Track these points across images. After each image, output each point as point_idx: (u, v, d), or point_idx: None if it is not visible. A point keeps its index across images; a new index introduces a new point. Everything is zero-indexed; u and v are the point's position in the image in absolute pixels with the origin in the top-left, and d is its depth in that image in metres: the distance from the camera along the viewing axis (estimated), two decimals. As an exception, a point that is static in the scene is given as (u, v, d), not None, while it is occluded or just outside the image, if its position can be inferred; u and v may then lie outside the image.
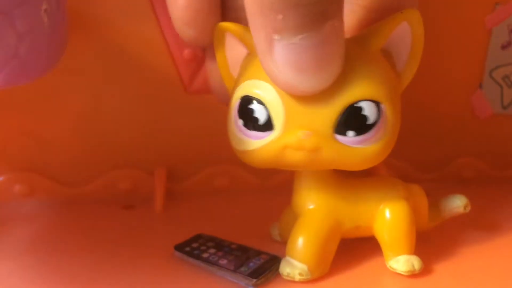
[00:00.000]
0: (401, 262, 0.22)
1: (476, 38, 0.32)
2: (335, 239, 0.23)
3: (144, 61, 0.29)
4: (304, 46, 0.18)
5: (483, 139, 0.34)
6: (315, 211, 0.23)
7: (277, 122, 0.20)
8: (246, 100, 0.20)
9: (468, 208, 0.25)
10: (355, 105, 0.19)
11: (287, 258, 0.22)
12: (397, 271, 0.22)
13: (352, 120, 0.20)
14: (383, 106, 0.20)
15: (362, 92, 0.19)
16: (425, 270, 0.22)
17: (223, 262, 0.23)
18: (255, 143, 0.20)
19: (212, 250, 0.24)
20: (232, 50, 0.23)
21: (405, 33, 0.21)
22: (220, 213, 0.29)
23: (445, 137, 0.33)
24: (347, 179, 0.23)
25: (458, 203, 0.25)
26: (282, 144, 0.20)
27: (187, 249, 0.24)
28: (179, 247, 0.24)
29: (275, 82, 0.19)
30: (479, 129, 0.33)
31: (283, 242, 0.23)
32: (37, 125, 0.30)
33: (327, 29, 0.18)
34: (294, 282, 0.22)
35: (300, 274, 0.21)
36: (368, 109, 0.19)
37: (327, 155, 0.20)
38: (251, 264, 0.23)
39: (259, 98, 0.20)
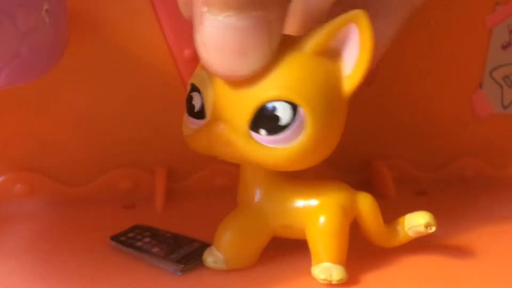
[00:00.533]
0: (320, 269, 0.21)
1: (477, 38, 0.32)
2: (262, 234, 0.23)
3: (144, 61, 0.29)
4: (227, 26, 0.18)
5: (483, 138, 0.34)
6: (245, 204, 0.23)
7: (207, 112, 0.21)
8: (191, 88, 0.22)
9: (431, 229, 0.22)
10: (268, 104, 0.19)
11: (212, 246, 0.23)
12: (315, 277, 0.21)
13: (264, 119, 0.20)
14: (300, 109, 0.19)
15: (277, 92, 0.19)
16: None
17: (155, 249, 0.24)
18: (191, 129, 0.22)
19: (147, 239, 0.25)
20: None
21: (354, 34, 0.20)
22: (220, 213, 0.29)
23: (445, 136, 0.33)
24: (289, 179, 0.23)
25: (419, 221, 0.22)
26: (205, 134, 0.21)
27: (123, 238, 0.25)
28: (115, 237, 0.25)
29: (201, 59, 0.19)
30: (479, 129, 0.34)
31: None
32: (37, 124, 0.30)
33: (255, 18, 0.18)
34: (220, 270, 0.23)
35: (214, 262, 0.22)
36: (282, 110, 0.19)
37: (242, 151, 0.20)
38: (182, 251, 0.24)
39: (198, 87, 0.21)
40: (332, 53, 0.20)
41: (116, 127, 0.30)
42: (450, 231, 0.27)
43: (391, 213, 0.24)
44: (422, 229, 0.22)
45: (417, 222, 0.22)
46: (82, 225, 0.28)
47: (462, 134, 0.34)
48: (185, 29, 0.26)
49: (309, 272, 0.22)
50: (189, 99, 0.21)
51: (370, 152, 0.33)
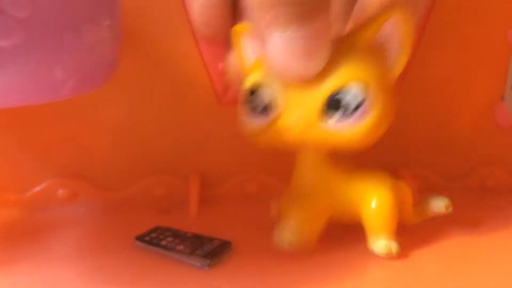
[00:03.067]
0: (381, 245, 0.24)
1: (499, 52, 0.33)
2: (324, 218, 0.25)
3: (180, 73, 0.31)
4: (293, 38, 0.20)
5: (505, 149, 0.34)
6: (309, 191, 0.25)
7: (276, 106, 0.23)
8: (253, 88, 0.24)
9: (450, 209, 0.27)
10: (340, 91, 0.22)
11: (281, 228, 0.25)
12: (376, 253, 0.25)
13: (336, 105, 0.22)
14: (367, 93, 0.22)
15: (346, 79, 0.22)
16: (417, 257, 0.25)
17: (180, 247, 0.25)
18: (259, 126, 0.24)
19: (170, 238, 0.26)
20: (253, 48, 0.25)
21: (395, 29, 0.23)
22: (250, 218, 0.30)
23: (468, 146, 0.34)
24: (343, 167, 0.26)
25: (440, 204, 0.27)
26: (278, 126, 0.23)
27: (147, 238, 0.26)
28: (140, 237, 0.26)
29: (272, 68, 0.22)
30: (501, 139, 0.34)
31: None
32: (79, 133, 0.31)
33: (314, 25, 0.20)
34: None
35: (289, 244, 0.24)
36: (352, 95, 0.22)
37: (315, 136, 0.23)
38: (205, 247, 0.25)
39: (262, 86, 0.23)
40: (377, 46, 0.23)
41: (152, 136, 0.32)
42: (472, 238, 0.27)
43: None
44: (443, 210, 0.27)
45: (438, 204, 0.27)
46: (120, 228, 0.29)
47: (485, 144, 0.34)
48: (219, 44, 0.27)
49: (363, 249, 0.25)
50: (255, 98, 0.23)
51: (396, 160, 0.34)
